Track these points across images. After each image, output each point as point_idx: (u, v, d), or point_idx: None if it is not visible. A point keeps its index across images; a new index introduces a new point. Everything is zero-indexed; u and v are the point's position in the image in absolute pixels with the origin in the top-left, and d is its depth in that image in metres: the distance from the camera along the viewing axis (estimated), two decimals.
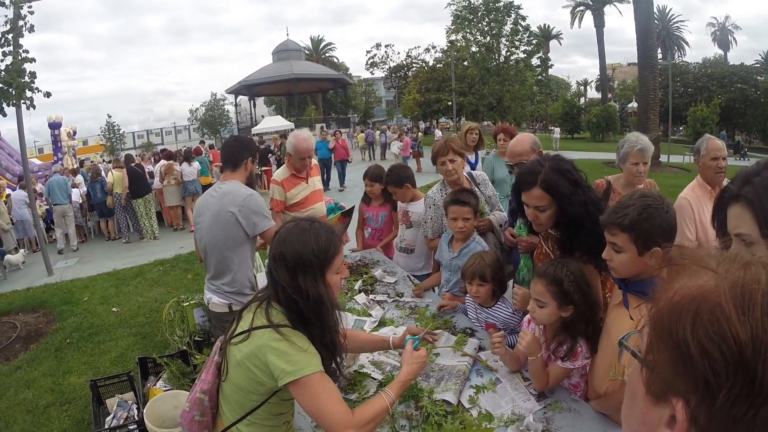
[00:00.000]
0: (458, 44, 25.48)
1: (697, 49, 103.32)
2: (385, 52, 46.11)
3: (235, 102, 39.81)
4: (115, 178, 9.15)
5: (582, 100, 48.27)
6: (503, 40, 18.92)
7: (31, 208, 7.60)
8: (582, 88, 64.43)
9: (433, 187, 3.17)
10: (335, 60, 54.83)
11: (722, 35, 53.22)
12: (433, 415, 1.62)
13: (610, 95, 50.69)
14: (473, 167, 4.53)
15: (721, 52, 52.45)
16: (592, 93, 63.16)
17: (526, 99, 20.34)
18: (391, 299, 2.80)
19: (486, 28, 18.72)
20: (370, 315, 2.56)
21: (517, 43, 18.55)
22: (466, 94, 33.44)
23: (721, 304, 0.45)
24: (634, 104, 47.31)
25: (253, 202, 2.56)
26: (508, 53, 19.19)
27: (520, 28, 18.54)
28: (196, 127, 42.08)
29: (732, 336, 0.43)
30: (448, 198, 2.69)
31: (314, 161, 3.88)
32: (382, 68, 46.56)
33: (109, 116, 36.61)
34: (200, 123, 41.04)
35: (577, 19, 51.19)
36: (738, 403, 0.43)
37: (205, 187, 10.17)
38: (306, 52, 43.59)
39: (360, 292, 2.89)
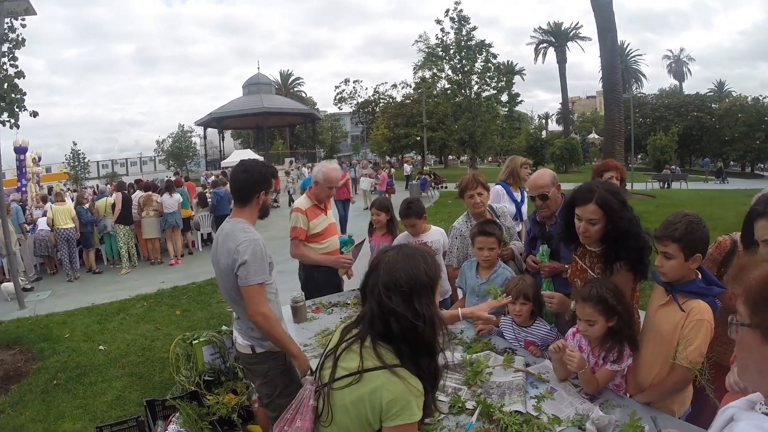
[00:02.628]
0: (429, 80, 26.56)
1: (654, 80, 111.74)
2: (353, 87, 47.34)
3: (204, 134, 39.53)
4: (107, 203, 8.93)
5: (544, 133, 50.67)
6: (474, 77, 19.69)
7: (4, 234, 7.04)
8: (543, 121, 67.73)
9: (458, 219, 3.36)
10: (303, 94, 55.84)
11: (677, 66, 57.20)
12: (510, 426, 1.70)
13: (570, 127, 53.37)
14: (519, 205, 4.31)
15: (676, 82, 56.38)
16: (553, 126, 66.59)
17: (495, 133, 21.11)
18: None
19: (458, 66, 19.47)
20: None
21: (488, 80, 19.33)
22: (436, 129, 34.47)
23: None
24: (594, 135, 50.26)
25: (249, 251, 2.22)
26: (480, 89, 19.95)
27: (491, 65, 19.38)
28: (162, 159, 41.36)
29: None
30: (475, 229, 2.88)
31: None
32: (350, 103, 47.61)
33: (75, 144, 35.83)
34: (167, 154, 40.37)
35: (540, 55, 54.37)
36: None
37: (185, 221, 10.03)
38: (275, 86, 44.12)
39: None
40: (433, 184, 19.34)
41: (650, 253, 2.22)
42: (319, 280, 3.76)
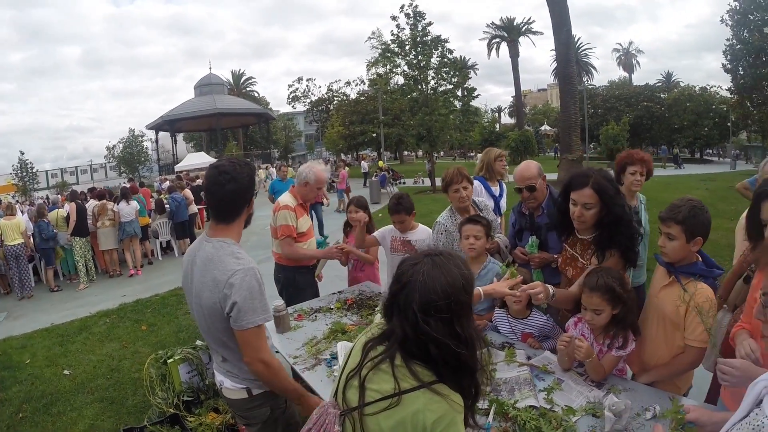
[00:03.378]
0: (385, 77, 26.51)
1: (604, 72, 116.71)
2: (307, 86, 46.79)
3: (156, 138, 38.05)
4: (58, 214, 8.37)
5: (497, 126, 51.86)
6: (431, 72, 19.75)
7: None
8: (496, 114, 69.36)
9: (442, 214, 3.29)
10: (256, 94, 54.78)
11: (627, 59, 59.68)
12: (528, 421, 1.69)
13: (523, 119, 54.86)
14: (497, 200, 4.16)
15: (626, 74, 58.68)
16: (505, 119, 68.35)
17: (453, 128, 21.21)
18: None
19: (414, 61, 19.47)
20: None
21: (444, 74, 19.42)
22: (393, 125, 34.47)
23: None
24: (546, 127, 51.97)
25: (245, 286, 1.75)
26: (437, 84, 20.03)
27: (447, 60, 19.49)
28: (113, 165, 39.53)
29: None
30: (464, 219, 2.86)
31: None
32: (304, 102, 47.12)
33: (22, 153, 33.94)
34: (118, 161, 38.60)
35: (493, 50, 55.56)
36: None
37: (144, 229, 9.53)
38: (227, 86, 43.02)
39: None
40: (391, 180, 19.27)
41: (640, 241, 2.28)
42: (300, 282, 3.68)
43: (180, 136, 40.50)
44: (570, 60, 18.15)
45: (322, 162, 4.15)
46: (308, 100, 46.81)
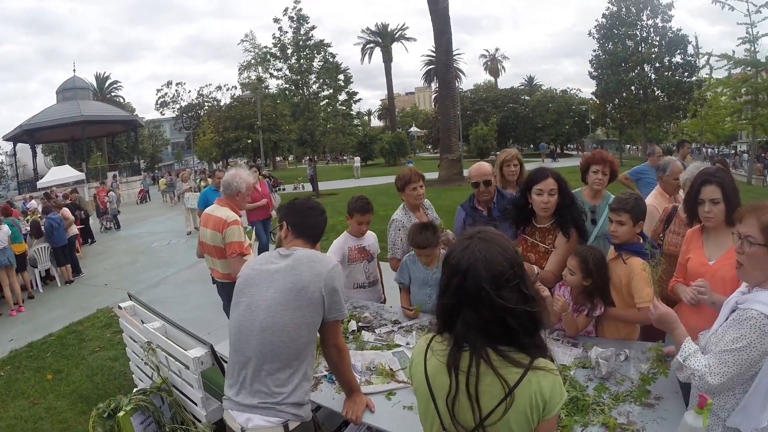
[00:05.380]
0: (263, 80, 25.94)
1: (470, 76, 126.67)
2: (177, 90, 43.77)
3: (14, 151, 32.48)
4: None
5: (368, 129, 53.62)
6: (312, 76, 19.85)
7: None
8: (366, 118, 71.74)
9: (397, 211, 3.54)
10: (121, 99, 49.80)
11: (493, 64, 65.91)
12: None
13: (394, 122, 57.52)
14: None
15: (491, 78, 64.76)
16: (375, 122, 71.15)
17: (336, 132, 21.44)
18: (397, 327, 2.96)
19: (296, 66, 19.41)
20: (399, 345, 2.71)
21: (326, 79, 19.62)
22: (273, 130, 33.72)
23: None
24: (415, 129, 55.17)
25: (339, 277, 2.00)
26: (319, 89, 20.19)
27: (329, 65, 19.76)
28: None
29: None
30: (414, 244, 3.11)
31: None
32: (173, 108, 44.06)
33: None
34: None
35: (367, 55, 57.40)
36: None
37: (19, 257, 8.06)
38: (92, 91, 38.24)
39: (358, 331, 2.91)
40: (272, 187, 18.88)
41: (586, 220, 2.84)
42: None
43: (38, 148, 34.86)
44: (450, 66, 19.81)
45: (245, 166, 4.13)
46: (178, 106, 43.90)
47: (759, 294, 1.57)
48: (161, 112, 45.75)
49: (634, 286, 2.40)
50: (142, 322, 3.19)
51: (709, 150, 36.20)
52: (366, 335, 2.86)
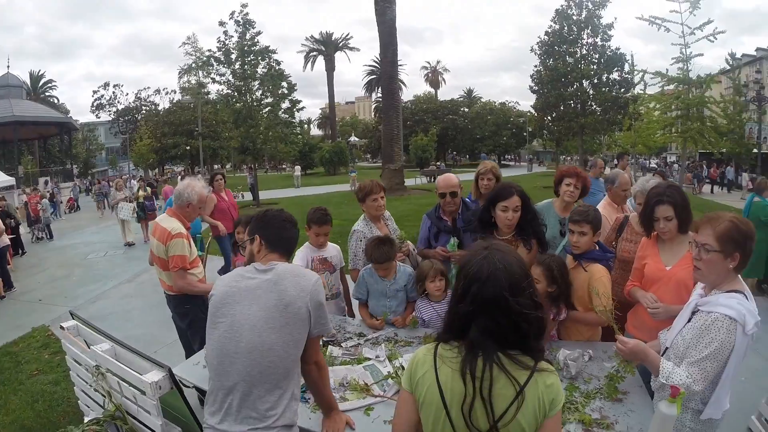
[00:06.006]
0: (204, 84, 25.01)
1: (410, 87, 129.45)
2: (114, 92, 41.28)
3: None
4: None
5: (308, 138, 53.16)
6: (256, 83, 19.36)
7: None
8: (307, 126, 71.23)
9: (358, 222, 3.53)
10: (55, 100, 46.39)
11: (434, 76, 67.39)
12: None
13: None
14: None
15: (432, 90, 65.90)
16: (314, 131, 70.98)
17: (278, 140, 20.87)
18: (363, 339, 2.93)
19: (240, 71, 18.87)
20: (369, 358, 2.66)
21: (269, 86, 19.17)
22: (213, 137, 32.49)
23: (743, 221, 1.78)
24: (354, 138, 55.51)
25: (323, 291, 1.96)
26: (262, 96, 19.70)
27: (274, 72, 19.35)
28: None
29: (750, 230, 1.75)
30: (373, 259, 3.11)
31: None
32: (110, 111, 41.52)
33: None
34: None
35: (309, 63, 57.08)
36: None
37: None
38: (25, 89, 35.13)
39: (323, 346, 2.81)
40: None
41: (545, 231, 2.97)
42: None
43: None
44: (394, 77, 20.09)
45: (201, 178, 4.01)
46: (114, 109, 41.44)
47: (720, 297, 1.76)
48: (97, 115, 43.27)
49: (594, 289, 2.54)
50: (87, 344, 2.91)
51: (646, 161, 39.14)
52: (333, 350, 2.79)
